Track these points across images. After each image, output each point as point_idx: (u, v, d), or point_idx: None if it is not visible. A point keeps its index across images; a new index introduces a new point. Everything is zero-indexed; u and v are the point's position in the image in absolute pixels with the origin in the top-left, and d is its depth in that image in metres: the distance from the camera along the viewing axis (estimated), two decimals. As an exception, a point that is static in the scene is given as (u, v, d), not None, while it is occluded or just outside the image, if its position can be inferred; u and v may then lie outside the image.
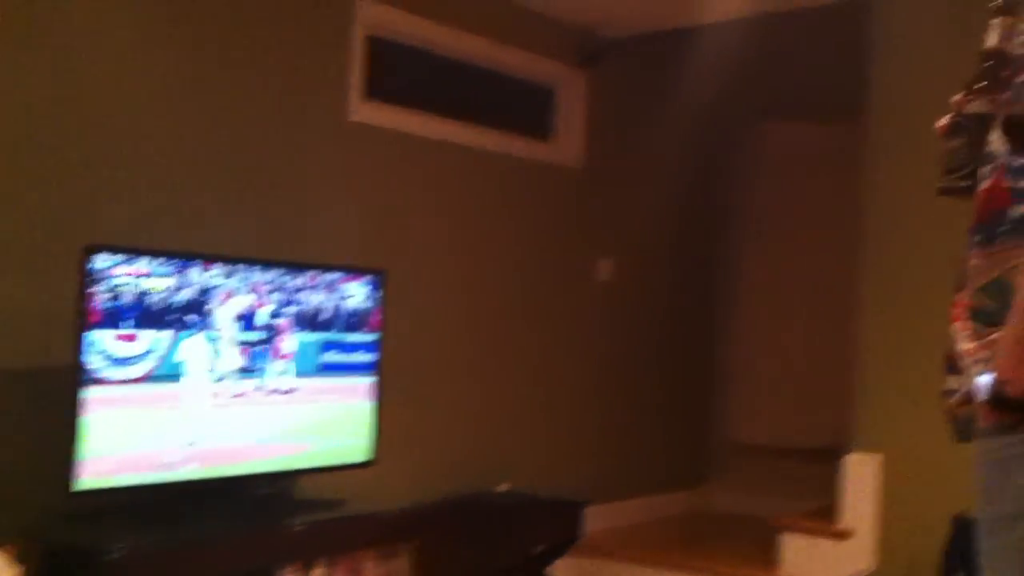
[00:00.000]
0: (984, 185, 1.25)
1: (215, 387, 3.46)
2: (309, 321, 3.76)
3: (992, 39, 1.39)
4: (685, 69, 5.36)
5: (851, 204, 4.84)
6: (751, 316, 6.29)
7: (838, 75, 5.23)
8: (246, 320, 3.55)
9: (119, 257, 3.16)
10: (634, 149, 5.70)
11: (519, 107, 5.40)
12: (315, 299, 3.77)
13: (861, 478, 4.47)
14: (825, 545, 4.57)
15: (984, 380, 1.12)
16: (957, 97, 1.43)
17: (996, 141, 1.24)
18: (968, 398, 1.19)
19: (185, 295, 3.33)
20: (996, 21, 1.38)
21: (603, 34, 5.47)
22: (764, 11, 4.92)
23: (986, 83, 1.38)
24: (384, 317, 4.00)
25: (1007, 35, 1.37)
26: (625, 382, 5.73)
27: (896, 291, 4.57)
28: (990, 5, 1.39)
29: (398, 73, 4.73)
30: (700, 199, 6.20)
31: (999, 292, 1.17)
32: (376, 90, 4.54)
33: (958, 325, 1.26)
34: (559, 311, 5.39)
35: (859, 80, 4.77)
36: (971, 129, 1.39)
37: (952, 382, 1.24)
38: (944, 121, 1.45)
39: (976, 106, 1.39)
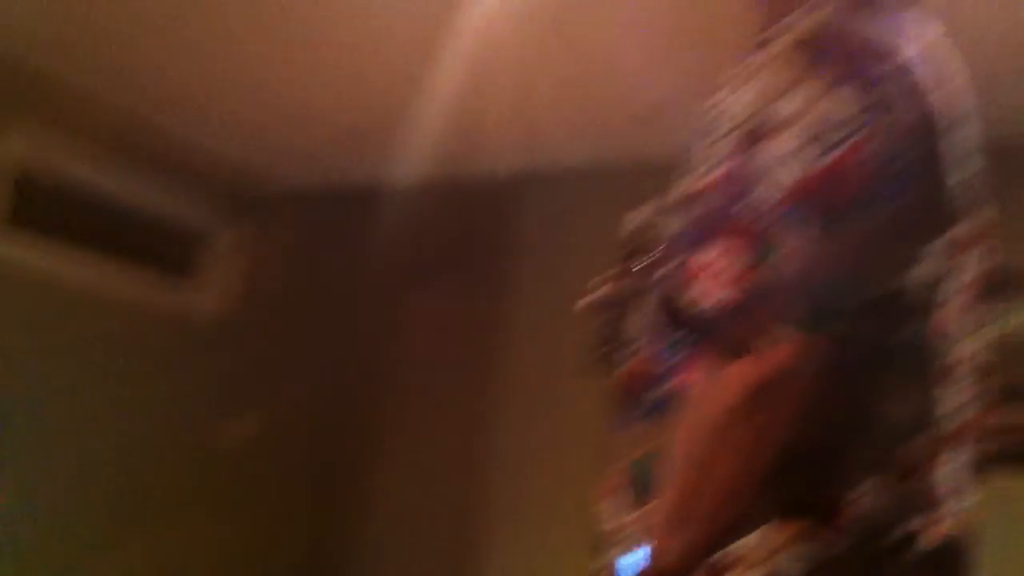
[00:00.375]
0: (630, 365, 1.29)
1: None
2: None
3: (634, 222, 1.49)
4: (343, 227, 5.42)
5: (496, 372, 5.01)
6: (395, 480, 6.24)
7: (487, 248, 5.48)
8: None
9: None
10: (284, 303, 5.62)
11: (169, 251, 5.17)
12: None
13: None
14: None
15: (636, 555, 1.15)
16: (605, 276, 1.50)
17: (640, 322, 1.30)
18: (614, 572, 1.21)
19: None
20: (643, 208, 1.49)
21: (264, 184, 5.43)
22: (424, 180, 5.09)
23: (631, 265, 1.47)
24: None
25: (651, 220, 1.48)
26: (266, 547, 5.45)
27: (530, 462, 4.74)
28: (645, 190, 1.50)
29: (42, 207, 4.39)
30: (352, 358, 6.16)
31: (650, 466, 1.21)
32: (18, 221, 4.19)
33: (607, 501, 1.29)
34: (190, 474, 5.06)
35: (507, 254, 5.04)
36: (616, 307, 1.46)
37: (603, 558, 1.26)
38: (591, 298, 1.52)
39: (621, 286, 1.47)
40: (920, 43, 1.18)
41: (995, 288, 1.30)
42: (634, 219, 1.51)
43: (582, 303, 1.55)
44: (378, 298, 6.21)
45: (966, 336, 1.24)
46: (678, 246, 1.14)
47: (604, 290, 1.51)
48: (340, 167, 5.25)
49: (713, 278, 1.06)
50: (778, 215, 1.05)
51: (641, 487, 1.22)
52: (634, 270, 1.47)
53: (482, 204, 5.39)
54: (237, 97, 4.39)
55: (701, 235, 1.09)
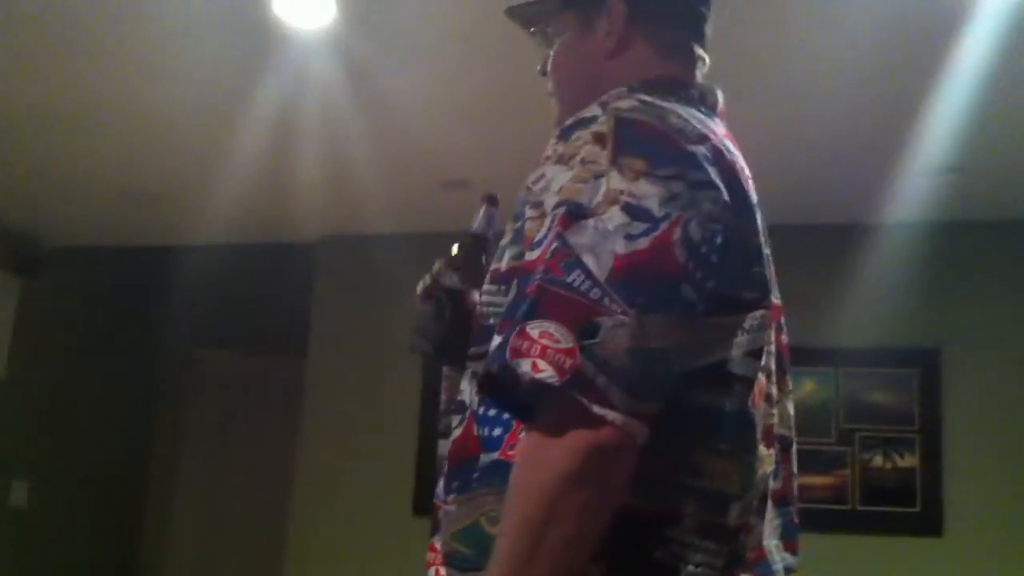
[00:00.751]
0: (456, 434, 1.29)
1: None
2: None
3: (475, 223, 1.51)
4: (131, 287, 5.20)
5: (288, 432, 4.91)
6: (182, 544, 5.98)
7: (279, 310, 5.40)
8: None
9: None
10: (65, 364, 5.32)
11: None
12: None
13: None
14: None
15: None
16: (437, 266, 1.51)
17: (467, 391, 1.30)
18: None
19: None
20: (483, 208, 1.51)
21: (45, 243, 5.15)
22: (216, 242, 4.98)
23: (463, 261, 1.48)
24: None
25: (489, 222, 1.51)
26: None
27: (323, 525, 4.66)
28: (483, 193, 1.52)
29: None
30: (135, 420, 5.89)
31: (474, 538, 1.20)
32: None
33: (432, 572, 1.28)
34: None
35: (299, 317, 4.97)
36: (439, 298, 1.47)
37: None
38: (421, 287, 1.52)
39: (448, 279, 1.48)
40: (716, 134, 1.26)
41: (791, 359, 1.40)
42: (479, 217, 1.53)
43: (419, 286, 1.53)
44: (172, 356, 5.98)
45: (776, 403, 1.32)
46: (500, 326, 1.15)
47: (440, 279, 1.50)
48: (138, 228, 5.06)
49: (540, 353, 1.07)
50: (600, 294, 1.08)
51: (470, 556, 1.21)
52: (470, 266, 1.48)
53: (286, 265, 5.31)
54: (24, 159, 4.19)
55: (523, 316, 1.10)
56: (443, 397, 1.60)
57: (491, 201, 1.52)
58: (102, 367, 5.44)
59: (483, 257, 1.49)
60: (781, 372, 1.36)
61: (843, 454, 4.41)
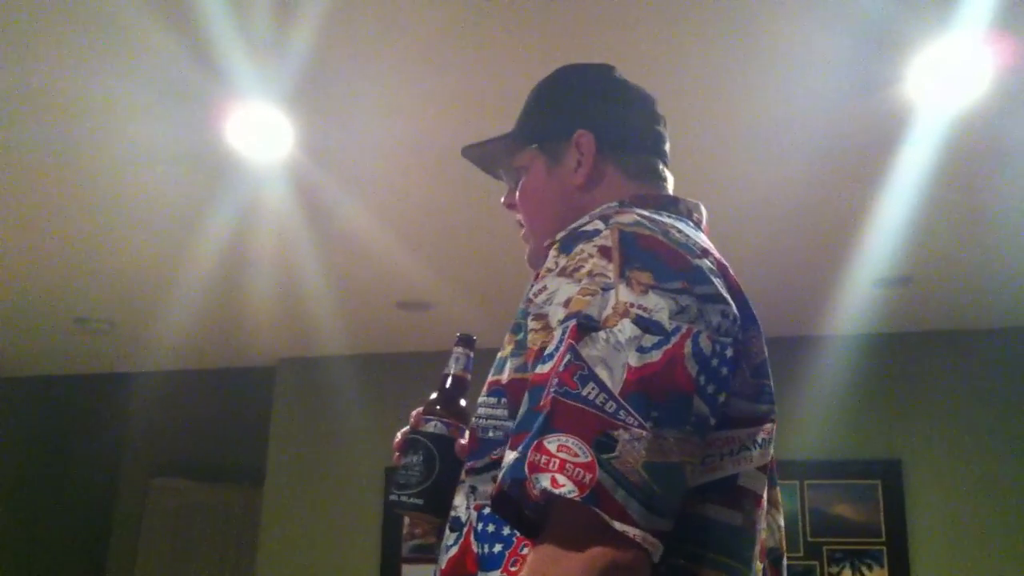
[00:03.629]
0: (452, 552, 1.24)
1: None
2: None
3: (453, 366, 1.48)
4: (85, 415, 5.11)
5: (246, 560, 4.78)
6: None
7: (236, 436, 5.32)
8: None
9: None
10: (16, 495, 5.18)
11: None
12: None
13: None
14: None
15: None
16: (416, 412, 1.46)
17: (463, 506, 1.26)
18: None
19: None
20: (459, 350, 1.48)
21: (5, 370, 5.07)
22: (172, 368, 4.94)
23: (443, 406, 1.44)
24: None
25: (467, 365, 1.48)
26: None
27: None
28: (456, 334, 1.49)
29: None
30: (89, 550, 5.72)
31: None
32: None
33: None
34: None
35: (256, 441, 4.90)
36: (427, 447, 1.42)
37: None
38: (399, 437, 1.46)
39: (433, 426, 1.44)
40: (712, 249, 1.27)
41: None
42: (454, 361, 1.49)
43: (397, 437, 1.47)
44: (123, 485, 5.85)
45: (766, 515, 1.30)
46: (520, 434, 1.13)
47: (421, 425, 1.45)
48: (92, 356, 5.00)
49: (559, 468, 1.06)
50: (616, 407, 1.07)
51: None
52: (451, 410, 1.44)
53: (244, 389, 5.26)
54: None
55: (542, 424, 1.09)
56: (406, 521, 1.54)
57: (466, 342, 1.50)
58: (55, 497, 5.30)
59: (463, 399, 1.46)
60: (771, 485, 1.35)
61: (811, 568, 4.36)
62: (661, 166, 1.43)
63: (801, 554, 4.38)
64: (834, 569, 4.36)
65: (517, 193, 1.46)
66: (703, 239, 1.29)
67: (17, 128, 2.90)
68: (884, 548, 4.34)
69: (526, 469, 1.06)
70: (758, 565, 1.24)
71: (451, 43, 2.47)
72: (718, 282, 1.19)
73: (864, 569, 4.33)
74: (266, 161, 3.07)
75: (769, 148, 2.94)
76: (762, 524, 1.24)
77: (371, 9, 2.35)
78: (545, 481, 1.04)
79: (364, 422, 4.72)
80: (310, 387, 4.95)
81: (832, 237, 3.51)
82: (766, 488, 1.25)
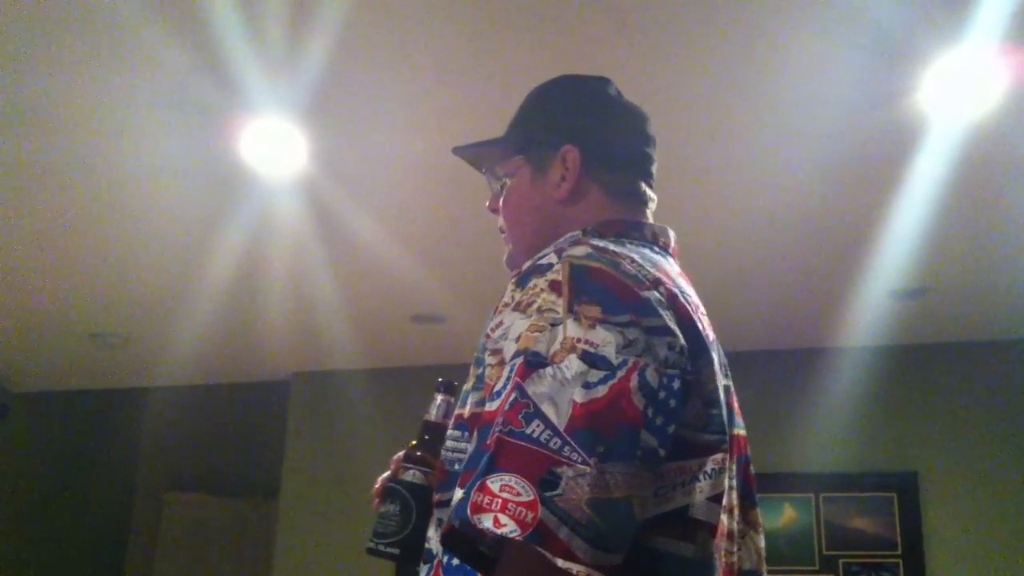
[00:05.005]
0: None
1: None
2: None
3: (433, 412, 1.48)
4: (100, 430, 5.14)
5: (262, 571, 4.79)
6: None
7: (251, 450, 5.33)
8: None
9: None
10: (31, 510, 5.20)
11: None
12: None
13: None
14: None
15: None
16: (396, 458, 1.46)
17: (434, 539, 1.27)
18: None
19: None
20: (439, 397, 1.48)
21: (11, 389, 5.10)
22: (187, 383, 4.95)
23: (422, 453, 1.44)
24: None
25: (447, 411, 1.48)
26: None
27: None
28: (437, 380, 1.48)
29: None
30: (105, 565, 5.74)
31: None
32: None
33: None
34: None
35: (271, 455, 4.90)
36: (404, 496, 1.42)
37: None
38: (379, 484, 1.46)
39: (411, 475, 1.44)
40: (670, 276, 1.27)
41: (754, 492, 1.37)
42: (435, 407, 1.49)
43: (376, 484, 1.47)
44: (140, 498, 5.86)
45: (741, 537, 1.30)
46: (467, 474, 1.13)
47: (400, 474, 1.45)
48: (107, 371, 5.02)
49: (501, 508, 1.06)
50: (560, 443, 1.07)
51: None
52: (430, 458, 1.43)
53: (258, 403, 5.27)
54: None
55: (486, 464, 1.09)
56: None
57: (447, 388, 1.50)
58: (72, 511, 5.32)
59: (443, 447, 1.47)
60: (750, 505, 1.35)
61: (827, 582, 4.35)
62: (644, 187, 1.42)
63: (817, 568, 4.36)
64: (850, 582, 4.34)
65: (501, 199, 1.46)
66: (665, 265, 1.29)
67: (31, 144, 2.93)
68: (900, 561, 4.32)
69: (468, 510, 1.06)
70: None
71: (466, 58, 2.48)
72: (666, 314, 1.18)
73: (880, 582, 4.31)
74: (280, 175, 3.08)
75: (783, 160, 2.94)
76: (720, 554, 1.22)
77: (386, 24, 2.36)
78: (487, 521, 1.04)
79: (379, 435, 4.73)
80: (324, 401, 4.96)
81: (846, 248, 3.51)
82: (726, 512, 1.25)
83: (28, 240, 3.60)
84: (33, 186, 3.20)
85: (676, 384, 1.15)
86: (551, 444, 1.07)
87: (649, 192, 1.43)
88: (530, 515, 1.04)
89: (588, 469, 1.06)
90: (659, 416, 1.12)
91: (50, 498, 5.30)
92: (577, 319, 1.14)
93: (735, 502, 1.30)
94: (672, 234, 1.41)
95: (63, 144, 2.92)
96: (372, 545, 1.43)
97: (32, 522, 5.23)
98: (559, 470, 1.06)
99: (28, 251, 3.70)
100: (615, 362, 1.11)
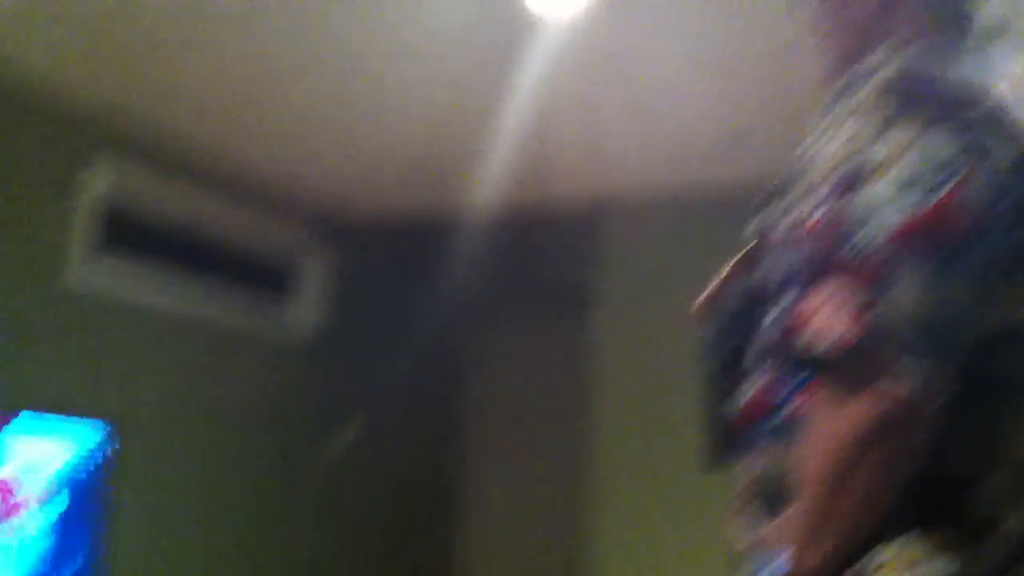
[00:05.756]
0: (747, 396, 1.28)
1: None
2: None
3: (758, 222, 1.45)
4: (424, 256, 5.45)
5: (585, 391, 5.00)
6: (488, 505, 6.10)
7: (568, 277, 5.48)
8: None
9: None
10: (376, 327, 5.63)
11: (260, 279, 5.25)
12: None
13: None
14: None
15: (777, 563, 1.15)
16: (725, 271, 1.44)
17: (753, 355, 1.29)
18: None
19: None
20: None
21: (348, 214, 5.52)
22: (500, 212, 5.14)
23: (745, 263, 1.43)
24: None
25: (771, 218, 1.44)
26: (369, 557, 5.47)
27: (627, 479, 4.71)
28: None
29: (133, 238, 4.50)
30: (441, 382, 6.09)
31: (776, 482, 1.21)
32: (108, 252, 4.32)
33: (737, 520, 1.30)
34: (282, 492, 5.12)
35: (589, 279, 5.04)
36: (726, 316, 1.38)
37: (741, 573, 1.27)
38: (703, 299, 1.44)
39: (737, 285, 1.41)
40: (1009, 78, 1.19)
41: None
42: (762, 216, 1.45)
43: (699, 300, 1.43)
44: (462, 327, 6.15)
45: None
46: (788, 287, 1.15)
47: (727, 286, 1.44)
48: (416, 199, 5.32)
49: (829, 317, 1.07)
50: (888, 255, 1.06)
51: (769, 501, 1.23)
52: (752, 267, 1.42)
53: (560, 233, 5.41)
54: (316, 133, 4.53)
55: (811, 276, 1.10)
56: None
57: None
58: (407, 333, 5.61)
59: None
60: None
61: None
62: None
63: None
64: None
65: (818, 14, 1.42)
66: (1007, 66, 1.21)
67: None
68: None
69: (796, 317, 1.08)
70: None
71: None
72: (999, 123, 1.12)
73: None
74: (565, 18, 3.16)
75: None
76: None
77: None
78: (819, 329, 1.05)
79: (681, 264, 4.71)
80: (628, 230, 4.97)
81: None
82: None
83: (338, 79, 3.92)
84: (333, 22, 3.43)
85: (1010, 195, 1.11)
86: (879, 255, 1.07)
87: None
88: (860, 322, 1.05)
89: (916, 281, 1.06)
90: (990, 229, 1.10)
91: (381, 321, 5.66)
92: (904, 127, 1.11)
93: None
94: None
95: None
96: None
97: (365, 344, 5.63)
98: (887, 281, 1.06)
99: (338, 88, 4.01)
100: (944, 172, 1.08)
